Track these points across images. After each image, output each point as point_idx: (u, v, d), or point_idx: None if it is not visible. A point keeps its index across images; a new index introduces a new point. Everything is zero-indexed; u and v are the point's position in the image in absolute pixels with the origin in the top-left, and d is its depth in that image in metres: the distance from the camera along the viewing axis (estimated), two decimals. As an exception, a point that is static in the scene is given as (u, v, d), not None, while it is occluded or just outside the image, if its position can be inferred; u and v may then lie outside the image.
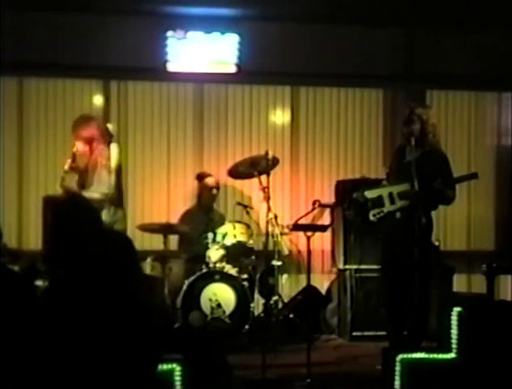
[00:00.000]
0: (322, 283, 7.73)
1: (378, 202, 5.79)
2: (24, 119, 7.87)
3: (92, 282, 3.25)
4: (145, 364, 3.32)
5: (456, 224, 8.48)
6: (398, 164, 5.94)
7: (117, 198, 6.02)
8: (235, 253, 6.84)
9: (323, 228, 6.04)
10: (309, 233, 5.46)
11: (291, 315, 6.86)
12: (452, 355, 4.33)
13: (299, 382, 5.19)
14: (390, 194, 5.76)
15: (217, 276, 6.60)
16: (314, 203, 5.71)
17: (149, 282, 3.55)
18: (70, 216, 3.40)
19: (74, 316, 3.18)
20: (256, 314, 6.77)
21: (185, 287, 6.60)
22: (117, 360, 3.22)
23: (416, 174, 5.58)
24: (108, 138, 6.17)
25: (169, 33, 7.88)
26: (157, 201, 8.00)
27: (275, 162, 6.76)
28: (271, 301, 6.71)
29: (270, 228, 6.35)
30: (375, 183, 6.22)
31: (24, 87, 7.89)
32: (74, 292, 3.23)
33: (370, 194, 5.85)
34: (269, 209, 6.38)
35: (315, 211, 7.60)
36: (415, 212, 5.61)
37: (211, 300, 6.50)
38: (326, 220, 7.64)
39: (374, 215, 5.78)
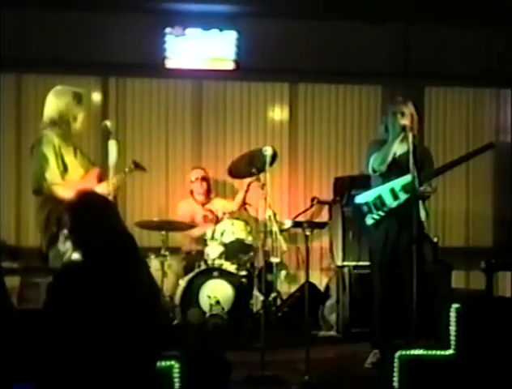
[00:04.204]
0: (321, 279, 7.74)
1: (379, 202, 5.70)
2: (23, 116, 7.87)
3: (97, 276, 3.26)
4: (144, 361, 3.33)
5: (454, 221, 8.49)
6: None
7: None
8: (233, 250, 6.83)
9: (321, 225, 6.01)
10: (308, 230, 5.45)
11: (289, 312, 6.86)
12: (450, 351, 4.33)
13: (297, 378, 5.19)
14: (392, 190, 5.73)
15: (216, 273, 6.60)
16: (313, 199, 5.70)
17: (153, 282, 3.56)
18: (83, 212, 3.44)
19: (76, 311, 3.19)
20: (255, 310, 6.76)
21: (183, 284, 6.61)
22: (117, 356, 3.22)
23: (414, 166, 5.49)
24: (106, 135, 6.13)
25: (168, 30, 7.88)
26: (156, 198, 8.01)
27: (273, 157, 6.65)
28: (270, 298, 6.71)
29: (268, 225, 6.34)
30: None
31: (23, 84, 7.89)
32: (78, 286, 3.25)
33: (365, 197, 5.79)
34: (267, 206, 6.37)
35: (313, 208, 7.61)
36: (413, 206, 5.53)
37: (209, 297, 6.50)
38: (324, 216, 7.64)
39: (374, 218, 5.72)
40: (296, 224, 5.89)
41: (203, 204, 7.34)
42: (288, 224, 5.84)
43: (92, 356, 3.17)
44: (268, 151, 5.87)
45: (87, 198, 3.59)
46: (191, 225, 7.12)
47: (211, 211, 7.18)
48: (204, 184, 7.39)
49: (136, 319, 3.27)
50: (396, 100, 5.95)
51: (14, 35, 7.41)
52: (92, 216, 3.41)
